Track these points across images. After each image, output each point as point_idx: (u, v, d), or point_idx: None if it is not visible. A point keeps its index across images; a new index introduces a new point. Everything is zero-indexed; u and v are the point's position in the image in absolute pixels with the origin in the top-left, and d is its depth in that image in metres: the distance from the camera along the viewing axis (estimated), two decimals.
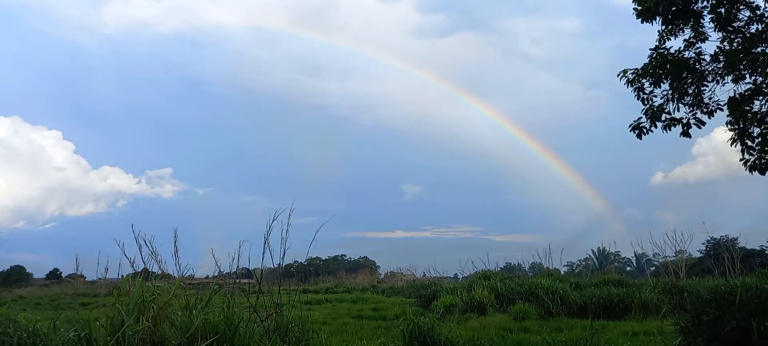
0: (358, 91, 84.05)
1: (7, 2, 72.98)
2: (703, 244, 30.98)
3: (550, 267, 25.68)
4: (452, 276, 33.01)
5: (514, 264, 33.36)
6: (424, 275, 32.68)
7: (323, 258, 60.32)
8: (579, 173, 56.75)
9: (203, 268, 10.64)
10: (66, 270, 44.96)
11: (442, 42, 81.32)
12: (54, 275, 46.04)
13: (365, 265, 57.23)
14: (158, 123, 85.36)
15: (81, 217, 65.89)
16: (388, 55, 75.13)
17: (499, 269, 25.88)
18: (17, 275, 44.03)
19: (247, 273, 11.32)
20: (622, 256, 46.66)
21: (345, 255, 64.11)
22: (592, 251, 42.00)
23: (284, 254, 8.88)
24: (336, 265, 58.63)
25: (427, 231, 76.56)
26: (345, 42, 75.37)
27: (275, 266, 8.98)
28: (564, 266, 36.79)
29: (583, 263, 44.49)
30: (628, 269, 44.40)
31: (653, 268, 30.94)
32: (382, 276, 41.73)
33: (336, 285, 32.78)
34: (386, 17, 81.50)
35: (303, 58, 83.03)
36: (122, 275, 7.87)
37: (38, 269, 46.98)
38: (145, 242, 8.46)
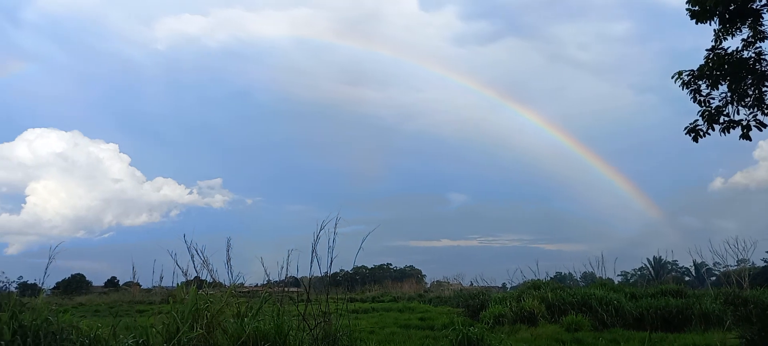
0: (400, 99, 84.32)
1: (65, 21, 77.19)
2: (767, 252, 29.31)
3: (603, 277, 24.83)
4: (500, 286, 32.46)
5: (565, 273, 32.47)
6: (472, 284, 32.25)
7: (369, 267, 60.55)
8: (631, 179, 54.90)
9: (252, 276, 10.87)
10: (123, 278, 46.73)
11: (485, 49, 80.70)
12: (112, 282, 47.89)
13: (411, 274, 57.05)
14: (208, 134, 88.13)
15: (136, 226, 68.56)
16: (430, 63, 75.05)
17: (549, 278, 25.20)
18: (77, 283, 45.98)
19: (295, 282, 11.47)
20: (680, 265, 44.65)
21: (391, 264, 64.17)
22: (648, 259, 40.39)
23: (331, 263, 8.97)
24: (382, 274, 58.70)
25: (473, 240, 75.71)
26: (387, 51, 75.88)
27: (322, 274, 9.08)
28: (618, 275, 35.49)
29: (638, 272, 42.81)
30: (687, 278, 42.47)
31: (714, 278, 29.45)
32: (429, 285, 41.47)
33: (382, 294, 32.78)
34: (428, 25, 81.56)
35: (346, 67, 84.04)
36: (177, 283, 8.13)
37: (97, 277, 49.15)
38: (197, 251, 8.72)
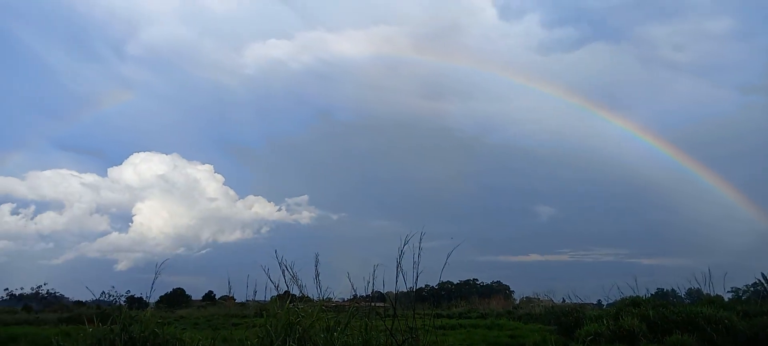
0: (482, 111, 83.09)
1: (164, 53, 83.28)
2: None
3: (711, 293, 22.85)
4: (595, 302, 30.79)
5: (667, 290, 30.16)
6: (564, 300, 30.81)
7: (455, 282, 59.67)
8: (738, 188, 50.41)
9: (339, 291, 11.04)
10: (219, 292, 49.21)
11: (570, 56, 77.87)
12: (209, 296, 50.48)
13: (498, 289, 55.59)
14: (294, 153, 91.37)
15: (230, 243, 72.08)
16: (512, 73, 73.45)
17: (649, 295, 23.53)
18: (178, 297, 48.84)
19: (381, 297, 11.50)
20: None
21: (477, 279, 62.86)
22: (763, 275, 36.68)
23: (417, 278, 8.90)
24: (468, 289, 57.67)
25: (564, 254, 72.60)
26: (467, 63, 75.17)
27: (408, 289, 9.02)
28: (728, 292, 32.45)
29: (752, 288, 39.00)
30: None
31: None
32: (518, 301, 40.13)
33: (469, 310, 32.16)
34: (509, 35, 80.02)
35: (426, 81, 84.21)
36: (269, 298, 8.40)
37: (196, 291, 52.03)
38: (286, 266, 8.98)
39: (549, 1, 79.70)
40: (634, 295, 21.97)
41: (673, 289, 29.93)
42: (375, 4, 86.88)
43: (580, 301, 26.42)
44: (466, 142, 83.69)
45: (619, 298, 22.89)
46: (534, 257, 71.88)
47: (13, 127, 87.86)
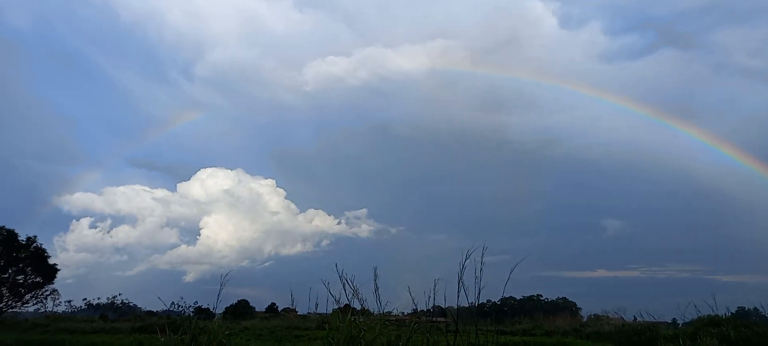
0: (543, 123, 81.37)
1: (228, 73, 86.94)
2: None
3: None
4: (670, 321, 29.14)
5: (749, 309, 28.14)
6: (635, 318, 29.35)
7: (518, 298, 58.18)
8: None
9: (398, 305, 10.97)
10: (281, 304, 50.32)
11: (636, 64, 75.14)
12: (271, 308, 51.61)
13: (564, 306, 53.67)
14: (353, 167, 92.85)
15: (292, 255, 73.78)
16: (574, 84, 71.57)
17: (729, 314, 22.04)
18: (243, 309, 50.16)
19: (441, 312, 11.34)
20: None
21: (541, 295, 61.04)
22: None
23: (479, 293, 8.72)
24: (532, 305, 56.05)
25: (634, 270, 69.49)
26: (526, 74, 73.97)
27: (469, 304, 8.85)
28: None
29: None
30: None
31: None
32: (585, 319, 38.58)
33: (533, 327, 31.17)
34: (570, 44, 78.28)
35: (483, 94, 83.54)
36: (331, 311, 8.46)
37: (259, 303, 53.42)
38: (347, 280, 9.02)
39: (611, 8, 77.51)
40: (713, 314, 20.61)
41: (756, 308, 27.90)
42: (432, 18, 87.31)
43: (653, 319, 25.02)
44: (527, 154, 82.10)
45: (695, 317, 21.54)
46: (601, 273, 69.22)
47: (91, 147, 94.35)
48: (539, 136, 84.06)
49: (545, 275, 66.31)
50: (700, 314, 20.98)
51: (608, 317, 32.42)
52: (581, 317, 43.15)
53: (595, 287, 68.46)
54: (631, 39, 78.78)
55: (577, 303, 55.68)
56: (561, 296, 60.01)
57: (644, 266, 71.21)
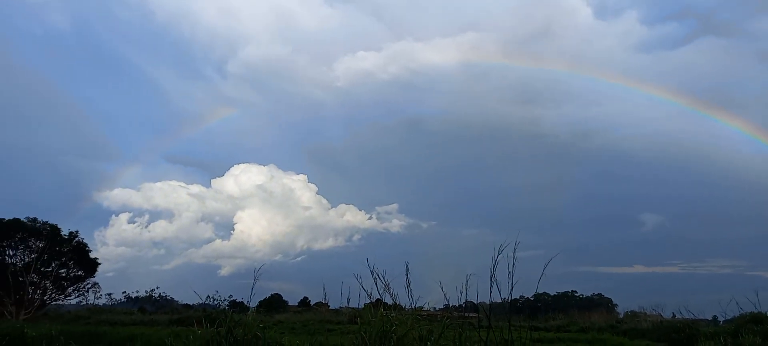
0: (577, 115, 79.82)
1: (261, 70, 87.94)
2: None
3: None
4: (710, 318, 28.32)
5: None
6: (674, 315, 28.62)
7: (552, 294, 57.38)
8: None
9: (430, 300, 10.94)
10: (314, 298, 50.82)
11: (675, 53, 72.92)
12: (304, 302, 52.20)
13: (600, 302, 52.62)
14: (383, 162, 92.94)
15: (324, 250, 74.39)
16: (609, 75, 69.82)
17: None
18: (276, 303, 50.88)
19: (473, 307, 11.24)
20: None
21: (576, 291, 60.06)
22: None
23: (512, 289, 8.60)
24: (566, 301, 55.19)
25: (673, 266, 67.67)
26: (560, 66, 72.56)
27: (502, 300, 8.73)
28: None
29: None
30: None
31: None
32: (621, 316, 37.77)
33: (568, 323, 30.66)
34: (606, 35, 76.41)
35: (517, 87, 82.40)
36: (362, 305, 8.49)
37: (292, 297, 54.14)
38: (378, 275, 9.03)
39: None
40: (756, 311, 19.92)
41: None
42: (463, 11, 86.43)
43: (692, 316, 24.33)
44: (562, 147, 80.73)
45: (737, 314, 20.86)
46: (639, 268, 67.66)
47: (129, 144, 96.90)
48: (574, 128, 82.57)
49: (580, 271, 65.13)
50: (742, 311, 20.29)
51: (646, 313, 31.67)
52: (617, 313, 42.25)
53: (631, 282, 66.92)
54: (669, 28, 76.52)
55: (613, 299, 54.56)
56: (596, 292, 58.92)
57: (684, 262, 69.36)
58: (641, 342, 20.94)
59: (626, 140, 79.18)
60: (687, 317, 24.09)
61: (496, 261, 8.58)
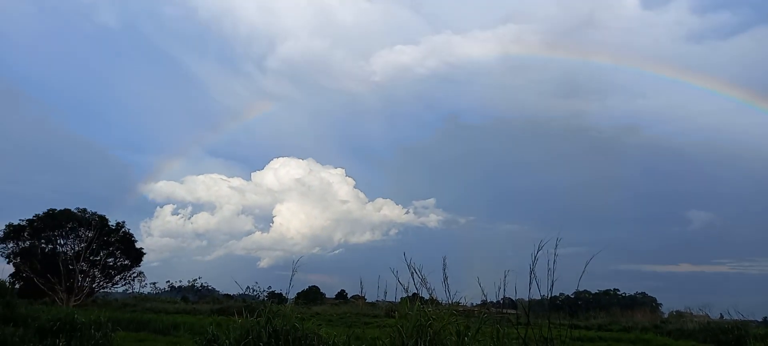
0: (622, 109, 77.57)
1: (299, 65, 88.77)
2: None
3: None
4: (761, 320, 27.19)
5: None
6: (722, 316, 27.59)
7: (593, 292, 56.11)
8: None
9: (466, 295, 10.84)
10: (350, 291, 51.25)
11: (728, 43, 69.83)
12: (341, 295, 52.68)
13: (643, 302, 51.16)
14: (421, 156, 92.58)
15: (361, 244, 74.79)
16: (657, 67, 67.45)
17: None
18: (314, 295, 51.52)
19: (511, 303, 11.08)
20: None
21: (618, 290, 58.47)
22: None
23: (552, 286, 8.43)
24: (608, 300, 53.84)
25: (722, 265, 65.17)
26: (604, 58, 70.60)
27: (541, 297, 8.57)
28: None
29: None
30: None
31: None
32: (666, 315, 36.64)
33: (609, 322, 29.95)
34: (653, 25, 73.85)
35: (558, 80, 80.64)
36: (399, 299, 8.49)
37: (329, 290, 54.66)
38: (415, 269, 9.00)
39: None
40: None
41: None
42: (502, 2, 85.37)
43: (741, 318, 23.40)
44: (606, 142, 78.64)
45: None
46: (685, 268, 65.49)
47: (174, 138, 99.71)
48: (619, 123, 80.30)
49: (623, 269, 63.45)
50: None
51: (692, 313, 30.65)
52: (661, 313, 40.99)
53: (677, 282, 64.88)
54: (722, 17, 73.27)
55: (657, 298, 52.93)
56: (640, 291, 57.28)
57: (733, 261, 66.65)
58: (687, 343, 20.27)
59: (674, 135, 76.58)
60: (736, 318, 23.17)
61: (535, 257, 8.42)
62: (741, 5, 72.75)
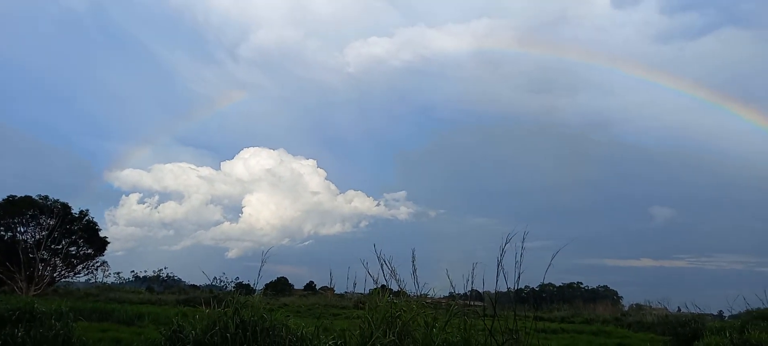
0: (591, 105, 79.11)
1: (272, 54, 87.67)
2: None
3: None
4: (716, 314, 28.25)
5: None
6: (680, 309, 28.56)
7: (557, 285, 57.36)
8: None
9: (435, 287, 10.96)
10: (319, 282, 51.15)
11: (694, 44, 71.78)
12: (310, 286, 52.57)
13: (605, 295, 52.63)
14: (393, 149, 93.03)
15: (331, 236, 74.69)
16: (626, 65, 69.00)
17: None
18: (282, 286, 51.26)
19: (478, 296, 11.26)
20: None
21: (582, 283, 59.96)
22: None
23: (518, 278, 8.60)
24: (571, 293, 55.18)
25: (681, 260, 67.39)
26: (576, 55, 71.73)
27: (508, 289, 8.75)
28: None
29: None
30: None
31: None
32: (626, 308, 37.76)
33: (572, 315, 30.76)
34: (623, 24, 75.43)
35: (530, 75, 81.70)
36: (368, 290, 8.54)
37: (298, 281, 54.47)
38: (384, 261, 9.06)
39: None
40: (764, 307, 19.83)
41: None
42: None
43: (698, 311, 24.30)
44: (574, 138, 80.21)
45: (744, 310, 20.80)
46: (646, 262, 67.47)
47: (142, 125, 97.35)
48: (587, 119, 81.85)
49: (587, 263, 64.94)
50: (749, 308, 20.21)
51: (651, 307, 31.64)
52: (622, 306, 42.26)
53: (638, 276, 66.75)
54: (689, 18, 75.22)
55: (618, 292, 54.54)
56: (602, 285, 58.88)
57: (692, 256, 68.99)
58: (645, 335, 20.97)
59: (640, 133, 78.66)
60: (693, 311, 24.04)
61: (503, 251, 8.57)
62: (708, 6, 74.89)
